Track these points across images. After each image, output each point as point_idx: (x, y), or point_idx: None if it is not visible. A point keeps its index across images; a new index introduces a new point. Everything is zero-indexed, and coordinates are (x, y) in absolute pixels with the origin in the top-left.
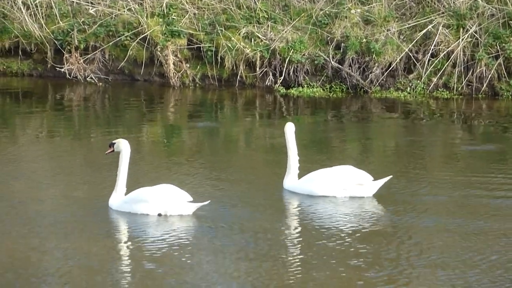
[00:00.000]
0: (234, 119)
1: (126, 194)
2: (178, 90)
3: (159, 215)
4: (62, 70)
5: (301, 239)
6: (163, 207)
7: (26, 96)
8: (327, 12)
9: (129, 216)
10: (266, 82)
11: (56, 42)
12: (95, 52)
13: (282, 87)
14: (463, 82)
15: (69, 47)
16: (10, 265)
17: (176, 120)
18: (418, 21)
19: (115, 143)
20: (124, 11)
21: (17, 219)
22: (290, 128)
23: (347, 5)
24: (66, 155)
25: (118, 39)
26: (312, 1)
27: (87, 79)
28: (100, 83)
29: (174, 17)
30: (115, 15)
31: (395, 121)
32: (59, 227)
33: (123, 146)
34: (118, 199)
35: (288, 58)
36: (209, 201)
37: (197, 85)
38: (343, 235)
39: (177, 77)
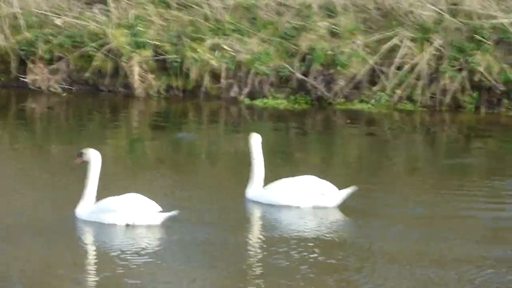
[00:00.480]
0: (199, 130)
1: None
2: (142, 101)
3: (127, 225)
4: (26, 80)
5: (268, 249)
6: (131, 217)
7: None
8: (293, 24)
9: (96, 226)
10: (231, 94)
11: (20, 52)
12: (59, 62)
13: (247, 99)
14: (427, 95)
15: (33, 57)
16: None
17: (141, 131)
18: (384, 34)
19: (84, 152)
20: (90, 22)
21: None
22: (256, 139)
23: (314, 18)
24: (30, 166)
25: (83, 49)
26: (279, 13)
27: (51, 89)
28: (64, 94)
29: (140, 29)
30: (81, 26)
31: (359, 133)
32: (25, 237)
33: (93, 156)
34: (86, 208)
35: (253, 70)
36: (177, 211)
37: (162, 96)
38: (308, 244)
39: (142, 88)
